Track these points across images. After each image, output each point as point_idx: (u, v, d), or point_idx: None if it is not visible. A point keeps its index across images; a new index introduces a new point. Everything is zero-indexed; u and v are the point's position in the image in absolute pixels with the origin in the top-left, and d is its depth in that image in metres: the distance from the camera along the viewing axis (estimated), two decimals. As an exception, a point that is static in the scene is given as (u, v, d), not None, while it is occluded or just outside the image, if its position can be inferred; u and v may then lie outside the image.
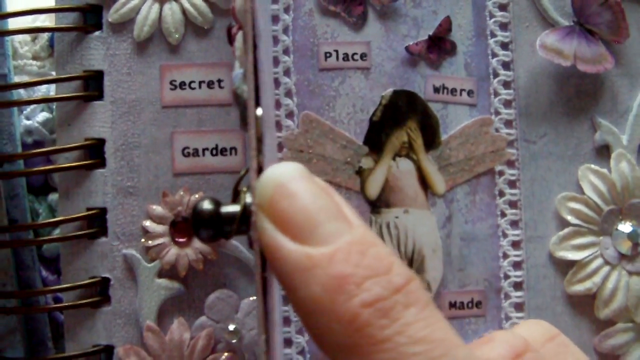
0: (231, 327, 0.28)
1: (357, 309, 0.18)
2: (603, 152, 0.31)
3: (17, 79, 0.32)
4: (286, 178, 0.19)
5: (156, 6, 0.28)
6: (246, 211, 0.20)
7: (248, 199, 0.20)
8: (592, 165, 0.31)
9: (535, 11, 0.31)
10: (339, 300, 0.18)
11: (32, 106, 0.31)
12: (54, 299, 0.32)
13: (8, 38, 0.30)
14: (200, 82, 0.29)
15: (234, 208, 0.20)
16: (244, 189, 0.21)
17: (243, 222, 0.20)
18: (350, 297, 0.18)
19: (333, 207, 0.19)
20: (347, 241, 0.19)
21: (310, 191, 0.19)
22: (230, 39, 0.27)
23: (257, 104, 0.20)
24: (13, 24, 0.30)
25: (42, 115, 0.31)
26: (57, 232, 0.30)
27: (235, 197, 0.21)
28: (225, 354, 0.28)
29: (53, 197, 0.33)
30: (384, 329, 0.18)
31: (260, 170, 0.19)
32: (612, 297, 0.31)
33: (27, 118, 0.31)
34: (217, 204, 0.21)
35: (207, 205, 0.21)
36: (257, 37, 0.20)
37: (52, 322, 0.32)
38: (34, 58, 0.32)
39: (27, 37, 0.32)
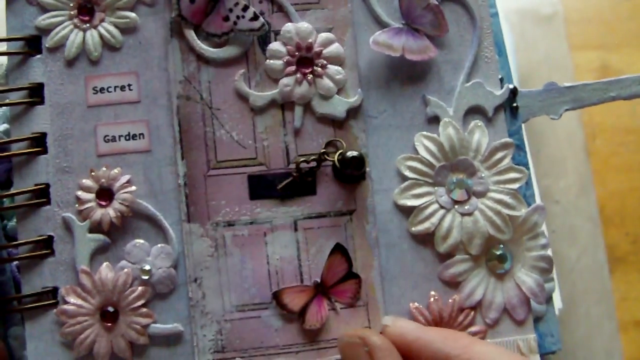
0: (145, 267, 0.39)
1: None
2: (433, 122, 0.42)
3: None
4: None
5: (80, 34, 0.41)
6: None
7: None
8: (425, 132, 0.42)
9: (372, 17, 0.43)
10: None
11: (-3, 118, 0.44)
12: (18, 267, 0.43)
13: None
14: (115, 87, 0.41)
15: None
16: None
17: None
18: None
19: None
20: None
21: None
22: None
23: None
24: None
25: (3, 126, 0.44)
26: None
27: None
28: (141, 287, 0.40)
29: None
30: None
31: None
32: (448, 234, 0.41)
33: (-8, 128, 0.44)
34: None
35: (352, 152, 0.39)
36: None
37: (16, 285, 0.43)
38: (-5, 84, 0.44)
39: (-11, 67, 0.44)
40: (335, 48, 0.41)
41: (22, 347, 0.41)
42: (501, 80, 0.43)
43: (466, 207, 0.41)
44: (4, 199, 0.43)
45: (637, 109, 0.67)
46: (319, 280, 0.40)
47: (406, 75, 0.42)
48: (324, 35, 0.41)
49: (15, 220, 0.43)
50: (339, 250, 0.40)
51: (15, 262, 0.42)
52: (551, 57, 0.68)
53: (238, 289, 0.39)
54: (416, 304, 0.41)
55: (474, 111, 0.43)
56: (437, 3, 0.42)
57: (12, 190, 0.40)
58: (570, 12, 0.69)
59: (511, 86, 0.43)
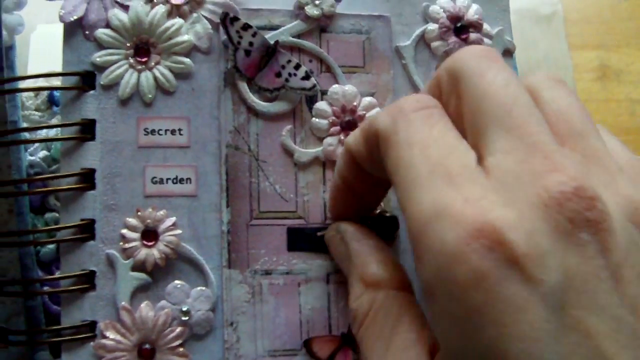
0: (184, 308, 0.42)
1: None
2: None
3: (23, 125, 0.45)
4: None
5: (135, 74, 0.42)
6: None
7: None
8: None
9: (410, 84, 0.46)
10: None
11: (35, 145, 0.44)
12: (50, 295, 0.45)
13: (18, 94, 0.44)
14: (166, 130, 0.43)
15: None
16: None
17: None
18: None
19: None
20: None
21: None
22: None
23: None
24: (24, 83, 0.44)
25: (42, 153, 0.45)
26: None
27: None
28: (179, 327, 0.42)
29: (48, 215, 0.46)
30: None
31: None
32: (462, 294, 0.46)
33: (31, 155, 0.45)
34: None
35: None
36: None
37: (46, 313, 0.45)
38: (36, 109, 0.45)
39: (31, 93, 0.45)
40: (376, 113, 0.45)
41: (47, 371, 0.43)
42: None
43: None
44: (37, 224, 0.45)
45: (637, 109, 0.68)
46: (345, 332, 0.43)
47: (438, 142, 0.46)
48: (367, 100, 0.44)
49: (48, 247, 0.44)
50: None
51: (46, 289, 0.43)
52: (550, 56, 0.69)
53: (271, 335, 0.42)
54: (428, 356, 0.45)
55: (494, 181, 0.47)
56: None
57: (60, 225, 0.41)
58: (570, 12, 0.70)
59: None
